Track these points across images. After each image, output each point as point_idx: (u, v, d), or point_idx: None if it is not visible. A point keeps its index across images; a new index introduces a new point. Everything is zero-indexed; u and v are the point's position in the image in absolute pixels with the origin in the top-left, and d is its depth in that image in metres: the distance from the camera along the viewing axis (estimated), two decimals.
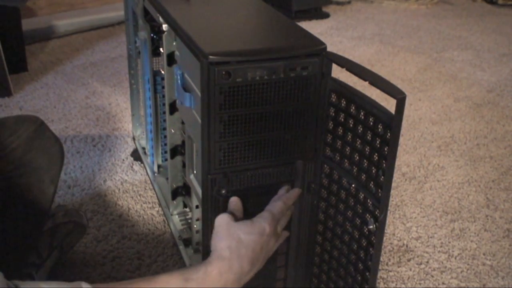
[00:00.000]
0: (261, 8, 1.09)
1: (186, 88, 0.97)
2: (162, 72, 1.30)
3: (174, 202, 1.30)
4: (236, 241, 0.81)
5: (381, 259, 1.29)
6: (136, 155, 1.65)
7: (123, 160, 1.65)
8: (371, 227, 0.83)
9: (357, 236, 0.89)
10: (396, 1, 3.57)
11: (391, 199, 1.52)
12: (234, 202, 0.88)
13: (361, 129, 0.83)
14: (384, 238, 1.37)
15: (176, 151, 1.23)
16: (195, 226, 1.16)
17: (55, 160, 1.04)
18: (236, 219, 0.86)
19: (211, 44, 0.84)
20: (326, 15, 3.23)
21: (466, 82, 2.37)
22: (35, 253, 1.14)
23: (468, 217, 1.48)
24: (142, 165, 1.61)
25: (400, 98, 0.73)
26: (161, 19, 1.12)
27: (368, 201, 0.84)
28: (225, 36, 0.91)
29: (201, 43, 0.84)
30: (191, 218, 1.21)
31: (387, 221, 1.44)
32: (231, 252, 0.80)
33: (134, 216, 1.40)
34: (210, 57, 0.80)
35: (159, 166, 1.45)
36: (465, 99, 2.20)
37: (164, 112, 1.25)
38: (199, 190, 1.00)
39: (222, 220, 0.84)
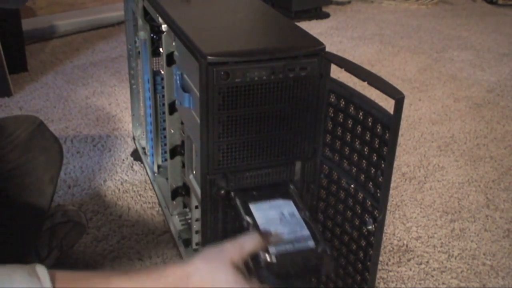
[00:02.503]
0: (260, 9, 1.09)
1: (185, 88, 0.97)
2: (162, 72, 1.30)
3: (174, 202, 1.30)
4: (211, 281, 0.71)
5: (381, 259, 1.29)
6: (136, 155, 1.65)
7: (123, 160, 1.65)
8: (370, 227, 0.83)
9: (356, 237, 0.89)
10: (396, 1, 3.56)
11: (391, 199, 1.52)
12: (248, 248, 0.75)
13: (360, 129, 0.83)
14: (384, 238, 1.38)
15: (175, 151, 1.23)
16: (194, 226, 1.16)
17: (54, 160, 1.04)
18: (235, 261, 0.74)
19: (210, 44, 0.85)
20: (326, 15, 3.22)
21: (466, 82, 2.37)
22: (34, 253, 1.14)
23: (468, 217, 1.48)
24: (142, 165, 1.61)
25: (399, 98, 0.73)
26: (160, 20, 1.12)
27: (367, 201, 0.84)
28: (223, 37, 0.91)
29: (199, 43, 0.84)
30: (190, 219, 1.21)
31: (387, 221, 1.44)
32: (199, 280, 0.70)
33: (134, 216, 1.40)
34: (209, 57, 0.80)
35: (159, 166, 1.45)
36: (465, 99, 2.20)
37: (164, 112, 1.25)
38: (198, 191, 1.00)
39: (226, 254, 0.73)
